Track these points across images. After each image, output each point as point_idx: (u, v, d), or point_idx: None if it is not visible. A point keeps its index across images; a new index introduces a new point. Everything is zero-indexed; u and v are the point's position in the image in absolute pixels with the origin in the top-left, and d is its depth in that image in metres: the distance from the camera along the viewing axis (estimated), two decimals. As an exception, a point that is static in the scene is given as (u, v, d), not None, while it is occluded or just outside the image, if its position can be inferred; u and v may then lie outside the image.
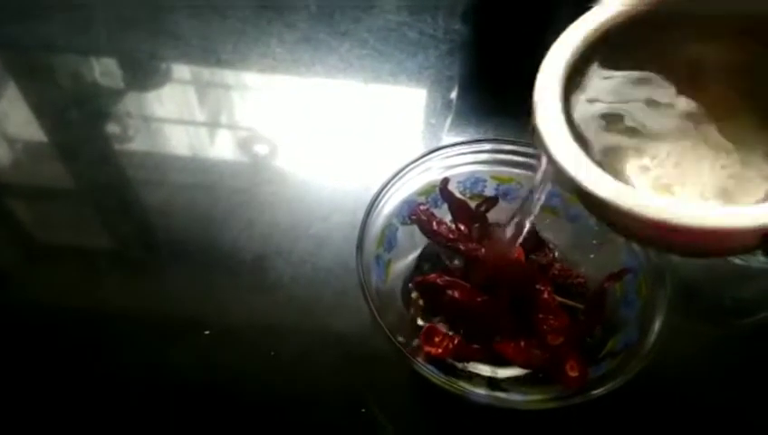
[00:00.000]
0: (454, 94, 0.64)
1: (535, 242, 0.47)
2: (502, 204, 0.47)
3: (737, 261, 0.48)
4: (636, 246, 0.43)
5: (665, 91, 0.34)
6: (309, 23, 0.69)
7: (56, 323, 0.47)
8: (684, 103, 0.33)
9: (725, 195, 0.31)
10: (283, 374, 0.44)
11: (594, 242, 0.46)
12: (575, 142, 0.31)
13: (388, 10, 0.71)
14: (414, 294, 0.45)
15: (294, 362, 0.45)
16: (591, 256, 0.47)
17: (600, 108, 0.34)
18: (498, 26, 0.71)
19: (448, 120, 0.62)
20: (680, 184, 0.32)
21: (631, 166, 0.32)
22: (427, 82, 0.65)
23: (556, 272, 0.45)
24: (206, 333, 0.46)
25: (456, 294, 0.42)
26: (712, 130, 0.33)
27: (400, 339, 0.38)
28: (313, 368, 0.45)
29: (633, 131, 0.33)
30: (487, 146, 0.47)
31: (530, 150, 0.46)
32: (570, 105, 0.33)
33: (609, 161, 0.32)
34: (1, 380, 0.44)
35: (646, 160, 0.32)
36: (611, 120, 0.33)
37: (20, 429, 0.43)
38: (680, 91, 0.33)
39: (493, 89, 0.66)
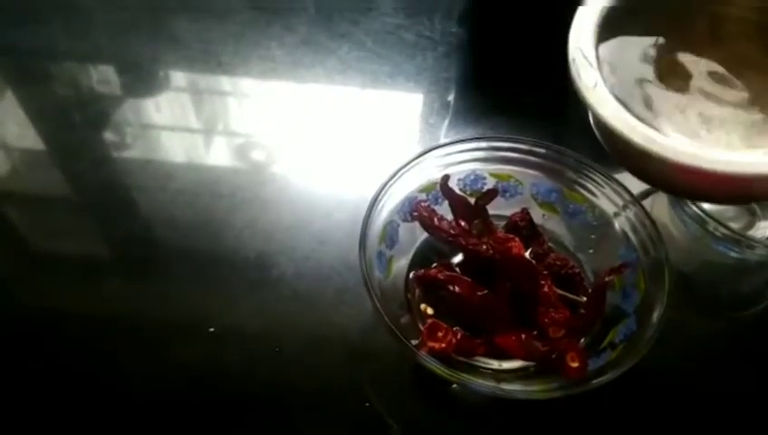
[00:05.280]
0: (451, 95, 0.65)
1: (531, 232, 0.47)
2: (501, 200, 0.48)
3: (733, 254, 0.49)
4: (634, 241, 0.44)
5: (688, 50, 0.35)
6: (308, 26, 0.70)
7: (58, 329, 0.47)
8: (706, 61, 0.35)
9: (748, 138, 0.33)
10: (287, 369, 0.45)
11: (593, 237, 0.47)
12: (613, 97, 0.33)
13: (385, 13, 0.72)
14: (418, 292, 0.45)
15: (298, 358, 0.45)
16: (590, 250, 0.47)
17: (627, 69, 0.35)
18: (494, 28, 0.72)
19: (446, 121, 0.63)
20: (706, 130, 0.33)
21: (661, 117, 0.34)
22: (425, 84, 0.66)
23: (551, 261, 0.46)
24: (211, 330, 0.46)
25: (457, 289, 0.43)
26: (734, 84, 0.34)
27: (403, 334, 0.38)
28: (317, 363, 0.45)
29: (659, 87, 0.35)
30: (485, 144, 0.48)
31: (527, 147, 0.47)
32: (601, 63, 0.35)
33: (640, 112, 0.34)
34: (4, 387, 0.44)
35: (674, 111, 0.34)
36: (641, 78, 0.35)
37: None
38: (702, 50, 0.35)
39: (489, 90, 0.66)
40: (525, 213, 0.48)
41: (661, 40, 0.36)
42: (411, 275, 0.46)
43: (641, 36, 0.36)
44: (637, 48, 0.36)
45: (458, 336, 0.41)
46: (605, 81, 0.35)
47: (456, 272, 0.45)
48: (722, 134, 0.34)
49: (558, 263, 0.45)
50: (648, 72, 0.36)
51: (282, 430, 0.43)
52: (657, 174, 0.34)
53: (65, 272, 0.51)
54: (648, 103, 0.35)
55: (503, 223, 0.48)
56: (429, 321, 0.41)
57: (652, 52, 0.36)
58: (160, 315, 0.48)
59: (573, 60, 0.34)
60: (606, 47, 0.35)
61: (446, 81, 0.66)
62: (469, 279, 0.43)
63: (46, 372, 0.45)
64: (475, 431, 0.44)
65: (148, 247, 0.53)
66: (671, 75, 0.36)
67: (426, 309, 0.44)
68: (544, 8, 0.70)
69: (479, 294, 0.42)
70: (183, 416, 0.43)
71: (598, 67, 0.34)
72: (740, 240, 0.47)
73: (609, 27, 0.35)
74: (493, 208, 0.47)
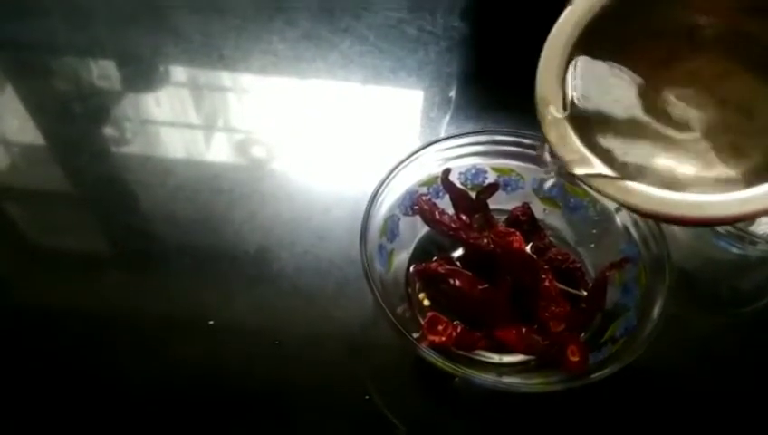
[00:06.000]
0: (453, 90, 0.65)
1: (532, 226, 0.47)
2: (502, 194, 0.48)
3: (735, 250, 0.48)
4: (636, 236, 0.44)
5: (663, 70, 0.35)
6: (310, 20, 0.69)
7: (57, 324, 0.47)
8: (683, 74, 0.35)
9: (735, 148, 0.33)
10: (287, 363, 0.45)
11: (594, 232, 0.47)
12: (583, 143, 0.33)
13: (387, 7, 0.71)
14: (418, 285, 0.45)
15: (298, 351, 0.45)
16: (591, 245, 0.47)
17: (602, 92, 0.35)
18: (496, 23, 0.72)
19: (448, 116, 0.62)
20: (692, 142, 0.33)
21: (641, 142, 0.34)
22: (427, 79, 0.66)
23: (553, 256, 0.45)
24: (210, 323, 0.46)
25: (458, 283, 0.43)
26: (713, 95, 0.34)
27: (404, 327, 0.38)
28: (317, 357, 0.45)
29: (637, 111, 0.35)
30: (487, 137, 0.47)
31: (528, 141, 0.47)
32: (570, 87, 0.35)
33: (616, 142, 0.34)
34: (3, 383, 0.44)
35: (655, 132, 0.34)
36: (617, 102, 0.35)
37: (26, 431, 0.43)
38: (678, 65, 0.35)
39: (491, 85, 0.66)
40: (526, 207, 0.47)
41: (633, 62, 0.36)
42: (411, 268, 0.46)
43: (613, 59, 0.36)
44: (610, 72, 0.36)
45: (458, 330, 0.41)
46: (582, 99, 0.35)
47: (456, 266, 0.45)
48: (710, 145, 0.34)
49: (559, 257, 0.45)
50: (623, 95, 0.36)
51: (281, 423, 0.42)
52: (636, 211, 0.35)
53: (64, 267, 0.51)
54: (625, 129, 0.35)
55: (504, 217, 0.48)
56: (430, 314, 0.41)
57: (625, 75, 0.36)
58: (160, 310, 0.48)
59: (542, 115, 0.35)
60: (580, 70, 0.35)
61: (448, 75, 0.66)
62: (470, 273, 0.43)
63: (45, 366, 0.45)
64: (476, 426, 0.44)
65: (147, 243, 0.52)
66: (648, 97, 0.36)
67: (423, 299, 0.44)
68: (546, 3, 0.69)
69: (479, 288, 0.42)
70: (183, 410, 0.43)
71: (566, 111, 0.35)
72: (742, 236, 0.47)
73: (581, 50, 0.35)
74: (494, 203, 0.47)
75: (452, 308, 0.43)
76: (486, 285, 0.42)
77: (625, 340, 0.40)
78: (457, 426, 0.44)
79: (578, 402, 0.43)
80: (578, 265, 0.46)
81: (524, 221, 0.47)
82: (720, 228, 0.47)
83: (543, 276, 0.42)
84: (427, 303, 0.44)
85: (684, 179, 0.33)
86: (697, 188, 0.32)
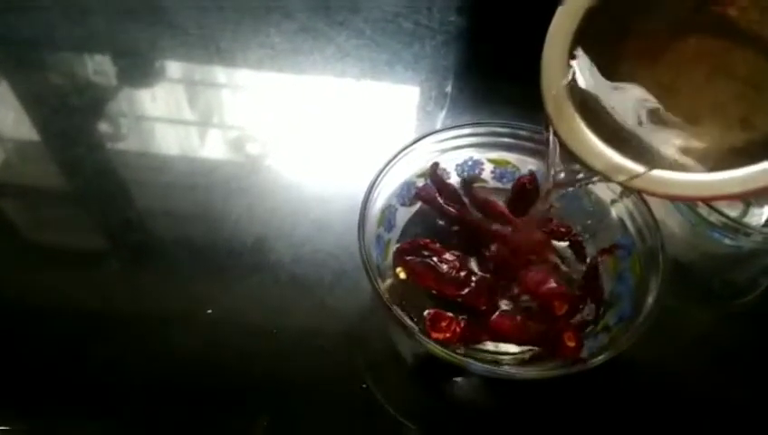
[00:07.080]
0: (449, 84, 0.65)
1: (535, 197, 0.47)
2: (498, 186, 0.48)
3: (728, 242, 0.49)
4: (631, 228, 0.44)
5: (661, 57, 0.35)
6: (306, 13, 0.69)
7: (57, 320, 0.47)
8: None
9: (744, 122, 0.33)
10: (285, 352, 0.45)
11: (589, 223, 0.47)
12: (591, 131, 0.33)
13: (384, 1, 0.71)
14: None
15: (296, 341, 0.45)
16: (587, 236, 0.47)
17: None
18: (493, 17, 0.72)
19: (444, 110, 0.63)
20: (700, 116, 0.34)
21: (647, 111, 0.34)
22: (423, 73, 0.66)
23: (555, 227, 0.46)
24: (209, 312, 0.46)
25: (448, 257, 0.43)
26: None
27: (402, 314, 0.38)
28: (314, 346, 0.45)
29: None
30: (484, 129, 0.48)
31: (525, 133, 0.47)
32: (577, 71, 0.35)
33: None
34: (3, 382, 0.44)
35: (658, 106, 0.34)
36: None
37: (25, 428, 0.43)
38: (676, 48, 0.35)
39: (487, 79, 0.66)
40: (533, 176, 0.47)
41: (636, 47, 0.36)
42: (397, 246, 0.45)
43: (615, 48, 0.36)
44: (611, 63, 0.36)
45: (462, 325, 0.41)
46: (585, 79, 0.35)
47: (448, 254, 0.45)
48: (720, 120, 0.35)
49: (562, 229, 0.46)
50: (628, 83, 0.36)
51: (279, 412, 0.43)
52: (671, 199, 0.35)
53: (61, 263, 0.51)
54: (635, 115, 0.35)
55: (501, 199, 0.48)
56: (432, 311, 0.41)
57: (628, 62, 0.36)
58: (158, 304, 0.48)
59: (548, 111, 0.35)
60: (582, 64, 0.36)
61: (445, 69, 0.66)
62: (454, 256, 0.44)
63: (43, 364, 0.45)
64: (473, 414, 0.44)
65: (144, 237, 0.53)
66: (655, 80, 0.36)
67: (400, 272, 0.43)
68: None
69: (463, 273, 0.43)
70: (182, 400, 0.43)
71: (573, 99, 0.35)
72: (737, 227, 0.47)
73: (580, 43, 0.35)
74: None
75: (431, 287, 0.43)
76: (470, 270, 0.43)
77: (619, 328, 0.40)
78: (455, 414, 0.44)
79: (573, 395, 0.43)
80: (580, 238, 0.46)
81: (531, 189, 0.47)
82: (715, 220, 0.48)
83: (548, 257, 0.42)
84: (403, 276, 0.44)
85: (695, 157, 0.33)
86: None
